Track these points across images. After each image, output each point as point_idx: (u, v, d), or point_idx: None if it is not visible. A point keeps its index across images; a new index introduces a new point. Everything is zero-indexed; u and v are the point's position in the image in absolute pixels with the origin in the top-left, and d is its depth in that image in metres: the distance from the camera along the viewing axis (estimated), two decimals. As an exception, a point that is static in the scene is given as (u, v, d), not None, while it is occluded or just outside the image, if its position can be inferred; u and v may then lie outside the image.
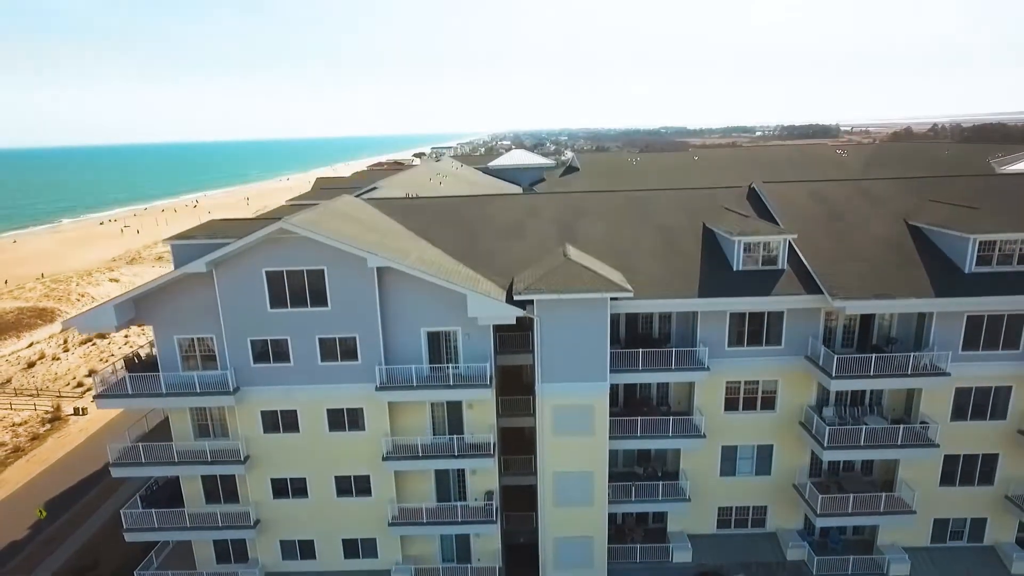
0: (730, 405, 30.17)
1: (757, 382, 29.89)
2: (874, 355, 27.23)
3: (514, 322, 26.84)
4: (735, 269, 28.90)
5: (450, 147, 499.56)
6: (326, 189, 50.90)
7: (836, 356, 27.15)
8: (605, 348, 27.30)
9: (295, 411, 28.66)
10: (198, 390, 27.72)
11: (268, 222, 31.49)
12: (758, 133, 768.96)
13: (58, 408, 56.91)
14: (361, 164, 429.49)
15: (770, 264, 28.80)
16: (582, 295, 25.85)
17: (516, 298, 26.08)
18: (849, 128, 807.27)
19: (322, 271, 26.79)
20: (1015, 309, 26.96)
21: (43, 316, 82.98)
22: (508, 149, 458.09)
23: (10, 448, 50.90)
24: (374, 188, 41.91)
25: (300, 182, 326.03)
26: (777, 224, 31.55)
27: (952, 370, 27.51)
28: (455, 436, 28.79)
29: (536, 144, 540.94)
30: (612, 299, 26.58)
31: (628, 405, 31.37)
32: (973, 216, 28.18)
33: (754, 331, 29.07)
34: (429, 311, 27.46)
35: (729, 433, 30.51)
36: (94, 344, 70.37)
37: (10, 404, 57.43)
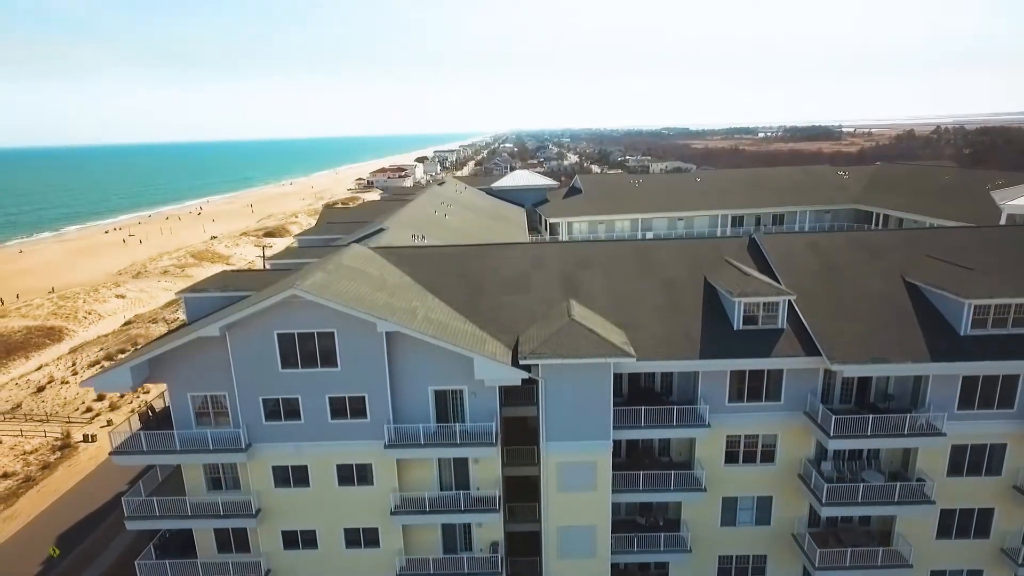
0: (730, 458, 30.82)
1: (757, 436, 30.54)
2: (871, 416, 27.88)
3: (520, 383, 27.51)
4: (735, 328, 29.54)
5: (452, 150, 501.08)
6: (333, 223, 51.61)
7: (834, 417, 27.80)
8: (608, 408, 27.99)
9: (305, 466, 29.37)
10: (211, 447, 28.44)
11: (280, 276, 32.28)
12: (760, 135, 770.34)
13: (68, 435, 57.67)
14: (364, 167, 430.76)
15: (770, 323, 29.43)
16: (586, 360, 26.52)
17: (522, 362, 26.77)
18: (852, 129, 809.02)
19: (332, 333, 27.47)
20: (1010, 371, 27.57)
21: (51, 335, 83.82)
22: (510, 152, 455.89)
23: (22, 478, 51.66)
24: (381, 230, 42.53)
25: (302, 187, 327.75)
26: (776, 278, 32.17)
27: (948, 429, 28.18)
28: (461, 491, 29.51)
29: (538, 147, 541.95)
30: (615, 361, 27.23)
31: (631, 456, 32.04)
32: (968, 278, 28.75)
33: (754, 387, 29.73)
34: (436, 370, 28.15)
35: (729, 485, 31.16)
36: (102, 367, 71.12)
37: (20, 431, 58.22)
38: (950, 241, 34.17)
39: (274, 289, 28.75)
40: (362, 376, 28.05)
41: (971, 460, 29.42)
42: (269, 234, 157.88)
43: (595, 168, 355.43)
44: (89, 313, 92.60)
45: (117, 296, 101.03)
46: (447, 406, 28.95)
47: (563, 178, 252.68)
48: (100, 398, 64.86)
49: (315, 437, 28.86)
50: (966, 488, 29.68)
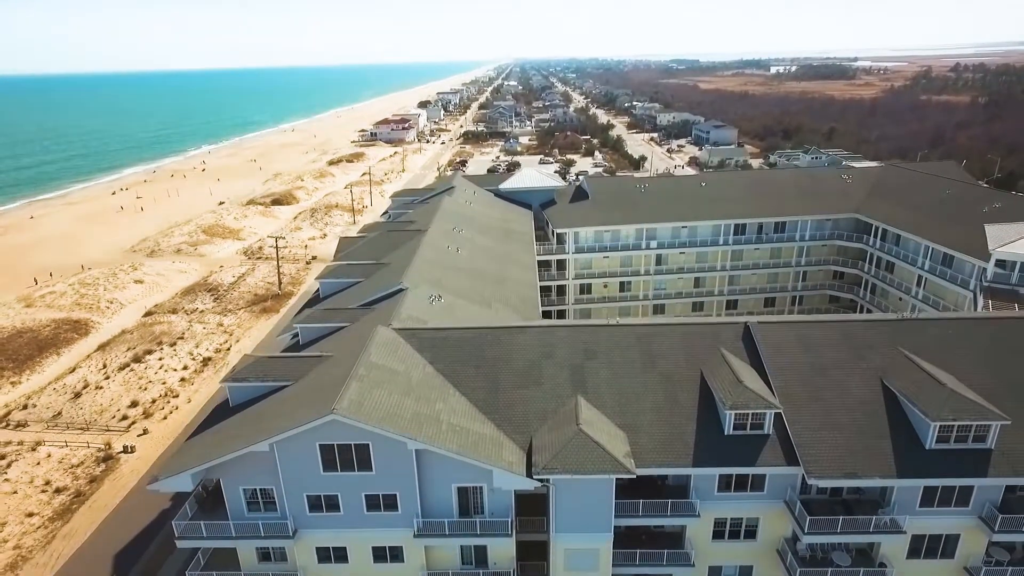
0: (717, 535, 35.02)
1: (742, 518, 34.60)
2: (841, 517, 31.80)
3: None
4: (726, 432, 33.01)
5: (456, 91, 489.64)
6: (352, 265, 54.42)
7: (809, 517, 31.73)
8: (610, 507, 31.93)
9: (345, 547, 33.66)
10: (262, 534, 32.63)
11: (312, 364, 35.48)
12: (773, 71, 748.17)
13: (109, 445, 62.28)
14: (364, 110, 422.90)
15: (757, 429, 32.88)
16: (592, 476, 30.17)
17: (535, 476, 30.45)
18: (867, 65, 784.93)
19: (367, 445, 31.03)
20: (967, 483, 31.23)
21: (78, 329, 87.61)
22: (514, 94, 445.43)
23: (73, 492, 56.58)
24: (401, 290, 45.38)
25: (304, 135, 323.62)
26: (766, 374, 35.32)
27: (909, 522, 32.20)
28: (481, 569, 33.86)
29: (543, 87, 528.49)
30: (617, 470, 30.85)
31: (628, 526, 36.20)
32: (936, 396, 31.78)
33: (741, 481, 33.52)
34: (459, 472, 31.86)
35: (715, 556, 35.51)
36: (132, 370, 75.30)
37: (65, 442, 62.85)
38: (930, 333, 36.99)
39: (314, 399, 32.14)
40: (394, 478, 31.83)
41: (928, 546, 33.55)
42: (276, 201, 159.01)
43: (601, 114, 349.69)
44: (111, 303, 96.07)
45: (136, 282, 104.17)
46: (468, 500, 32.87)
47: (569, 132, 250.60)
48: (133, 404, 69.27)
49: (353, 525, 32.98)
50: (923, 570, 33.93)
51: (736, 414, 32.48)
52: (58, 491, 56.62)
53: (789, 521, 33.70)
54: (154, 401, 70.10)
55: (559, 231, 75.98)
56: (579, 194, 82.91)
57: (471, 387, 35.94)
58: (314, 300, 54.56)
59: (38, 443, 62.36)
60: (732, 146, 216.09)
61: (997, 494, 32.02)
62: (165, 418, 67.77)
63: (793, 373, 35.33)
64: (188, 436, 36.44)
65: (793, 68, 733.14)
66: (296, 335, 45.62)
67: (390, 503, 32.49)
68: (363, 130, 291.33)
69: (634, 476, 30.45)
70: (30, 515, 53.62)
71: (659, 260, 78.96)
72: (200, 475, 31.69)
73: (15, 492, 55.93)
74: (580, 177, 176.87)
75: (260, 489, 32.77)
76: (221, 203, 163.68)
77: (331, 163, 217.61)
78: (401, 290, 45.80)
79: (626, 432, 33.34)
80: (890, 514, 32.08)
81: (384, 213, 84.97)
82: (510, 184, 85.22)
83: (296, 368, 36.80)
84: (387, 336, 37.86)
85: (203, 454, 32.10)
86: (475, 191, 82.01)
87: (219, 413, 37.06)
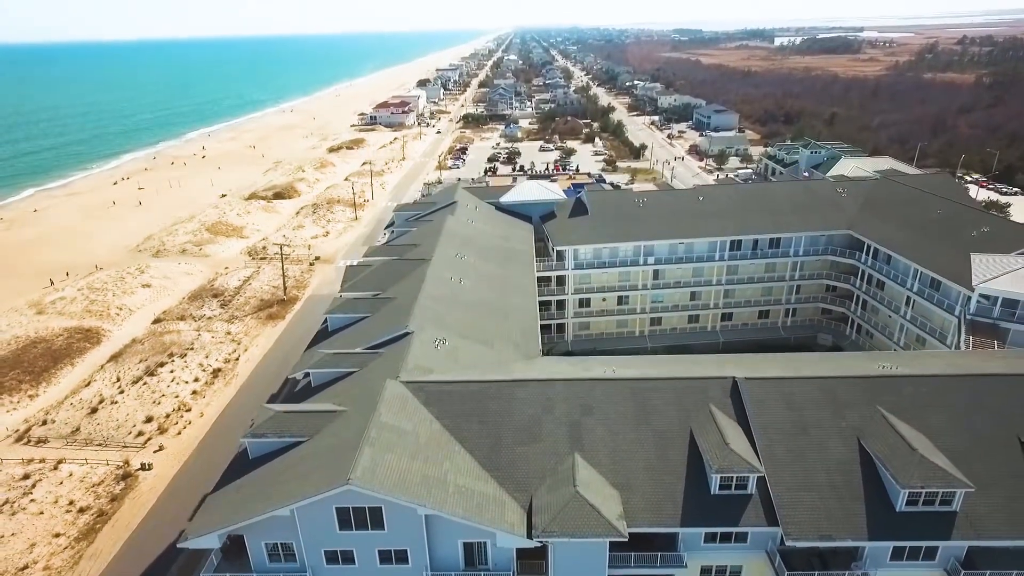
0: (703, 581, 37.88)
1: (726, 566, 37.38)
2: (817, 573, 34.52)
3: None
4: (712, 492, 35.57)
5: (455, 67, 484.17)
6: (359, 299, 56.41)
7: (787, 573, 34.46)
8: (604, 562, 34.63)
9: (360, 596, 36.50)
10: (284, 586, 35.44)
11: (327, 419, 37.84)
12: (777, 42, 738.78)
13: (127, 462, 65.13)
14: (364, 87, 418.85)
15: (741, 489, 35.42)
16: (587, 540, 32.80)
17: (535, 538, 33.09)
18: (874, 37, 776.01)
19: (380, 508, 33.59)
20: (932, 543, 33.91)
21: (89, 338, 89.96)
22: (513, 68, 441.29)
23: (96, 512, 59.52)
24: (408, 333, 47.52)
25: (303, 115, 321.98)
26: (751, 433, 37.74)
27: (879, 574, 34.95)
28: (485, 615, 36.75)
29: (544, 62, 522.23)
30: (611, 530, 33.46)
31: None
32: (908, 461, 34.23)
33: (725, 535, 36.20)
34: (465, 529, 34.48)
35: (702, 599, 38.42)
36: (145, 383, 77.83)
37: (85, 459, 65.65)
38: (906, 391, 39.29)
39: (330, 461, 34.58)
40: (405, 535, 34.46)
41: (897, 595, 36.38)
42: (278, 195, 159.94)
43: (602, 93, 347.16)
44: (120, 309, 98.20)
45: (143, 285, 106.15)
46: (474, 554, 35.57)
47: (569, 118, 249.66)
48: (148, 420, 71.92)
49: (367, 576, 35.76)
50: (891, 614, 36.85)
51: (722, 476, 34.97)
52: (81, 511, 59.46)
53: (769, 571, 36.45)
54: (168, 416, 72.71)
55: (559, 248, 77.80)
56: (579, 208, 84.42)
57: (475, 443, 38.36)
58: (323, 332, 56.67)
59: (60, 461, 65.12)
60: (733, 132, 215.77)
61: (961, 550, 34.71)
62: (179, 433, 70.55)
63: (776, 432, 37.73)
64: (212, 490, 38.85)
65: (797, 40, 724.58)
66: (307, 374, 48.04)
67: (401, 557, 35.20)
68: (362, 113, 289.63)
69: (626, 539, 33.05)
70: (57, 535, 56.58)
71: (656, 275, 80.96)
72: (225, 533, 34.27)
73: (41, 512, 58.87)
74: (575, 160, 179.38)
75: (281, 543, 35.43)
76: (223, 195, 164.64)
77: (331, 150, 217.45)
78: (407, 334, 47.93)
79: (619, 491, 35.88)
80: (863, 568, 34.85)
81: (388, 226, 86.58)
82: (511, 197, 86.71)
83: (311, 424, 39.13)
84: (396, 391, 40.16)
85: (227, 516, 34.64)
86: (476, 206, 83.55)
87: (239, 465, 39.51)
